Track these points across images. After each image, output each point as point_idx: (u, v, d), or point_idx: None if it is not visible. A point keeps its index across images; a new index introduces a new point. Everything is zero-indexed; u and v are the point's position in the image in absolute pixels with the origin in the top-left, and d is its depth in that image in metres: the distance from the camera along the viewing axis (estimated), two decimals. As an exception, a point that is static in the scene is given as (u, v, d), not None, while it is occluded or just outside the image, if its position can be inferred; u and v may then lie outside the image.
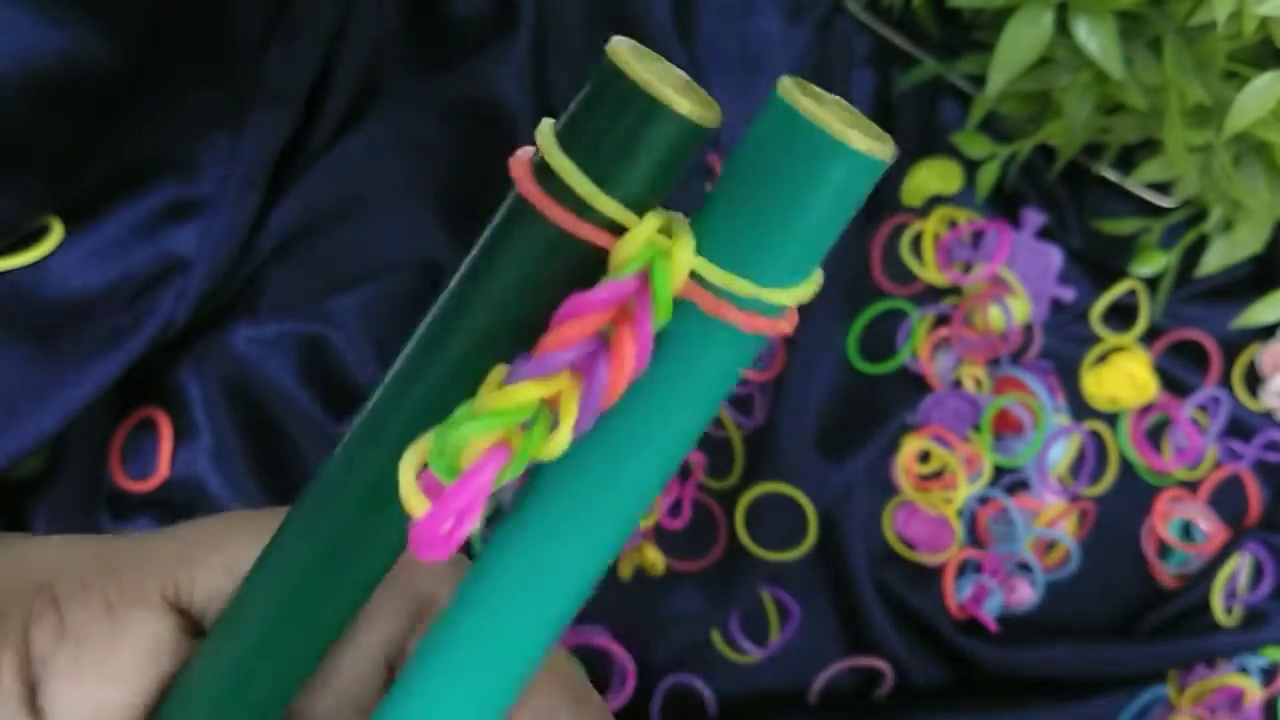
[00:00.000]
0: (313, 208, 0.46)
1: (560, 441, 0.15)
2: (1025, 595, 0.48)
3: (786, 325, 0.16)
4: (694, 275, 0.16)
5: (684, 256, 0.15)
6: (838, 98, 0.16)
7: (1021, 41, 0.41)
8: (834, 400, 0.49)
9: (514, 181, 0.16)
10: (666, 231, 0.16)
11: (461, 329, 0.17)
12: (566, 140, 0.16)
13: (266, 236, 0.45)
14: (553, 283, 0.16)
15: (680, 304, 0.16)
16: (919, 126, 0.51)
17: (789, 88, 0.15)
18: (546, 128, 0.16)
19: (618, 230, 0.16)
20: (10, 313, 0.40)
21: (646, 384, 0.16)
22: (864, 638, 0.48)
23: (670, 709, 0.46)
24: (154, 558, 0.20)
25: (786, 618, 0.47)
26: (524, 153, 0.17)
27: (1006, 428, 0.49)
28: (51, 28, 0.37)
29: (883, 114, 0.51)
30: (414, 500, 0.15)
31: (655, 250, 0.15)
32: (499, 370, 0.16)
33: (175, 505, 0.44)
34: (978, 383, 0.49)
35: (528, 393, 0.15)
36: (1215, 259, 0.48)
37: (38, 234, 0.41)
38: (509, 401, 0.15)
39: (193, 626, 0.21)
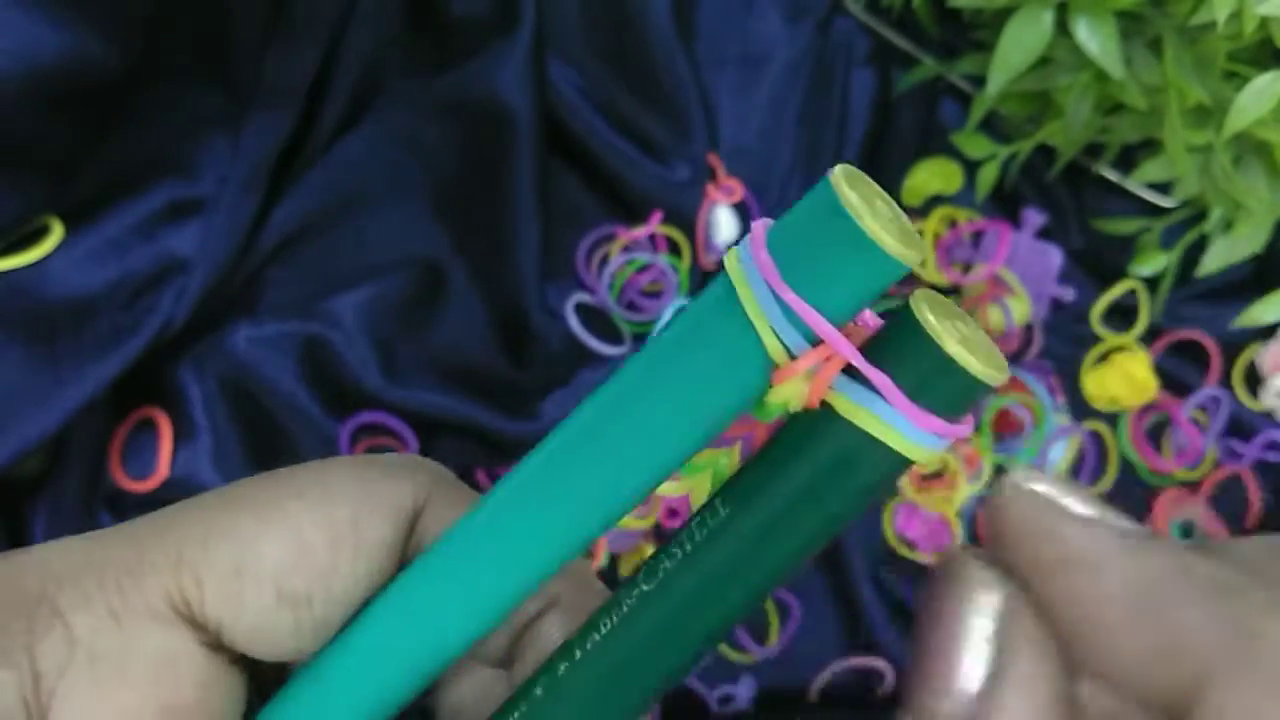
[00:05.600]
0: (313, 208, 0.46)
1: None
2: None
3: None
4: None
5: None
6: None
7: (1021, 41, 0.41)
8: (834, 400, 0.49)
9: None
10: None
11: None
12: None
13: (266, 236, 0.45)
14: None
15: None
16: (919, 126, 0.51)
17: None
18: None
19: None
20: (10, 313, 0.40)
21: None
22: (864, 638, 0.47)
23: (670, 709, 0.46)
24: (152, 562, 0.19)
25: (786, 618, 0.47)
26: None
27: (1006, 428, 0.49)
28: (51, 28, 0.37)
29: (883, 114, 0.51)
30: None
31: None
32: None
33: (175, 505, 0.44)
34: (978, 383, 0.49)
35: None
36: (1215, 259, 0.48)
37: (38, 234, 0.41)
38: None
39: (211, 639, 0.19)
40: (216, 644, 0.20)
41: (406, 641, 0.20)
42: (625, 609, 0.19)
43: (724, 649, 0.47)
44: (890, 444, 0.17)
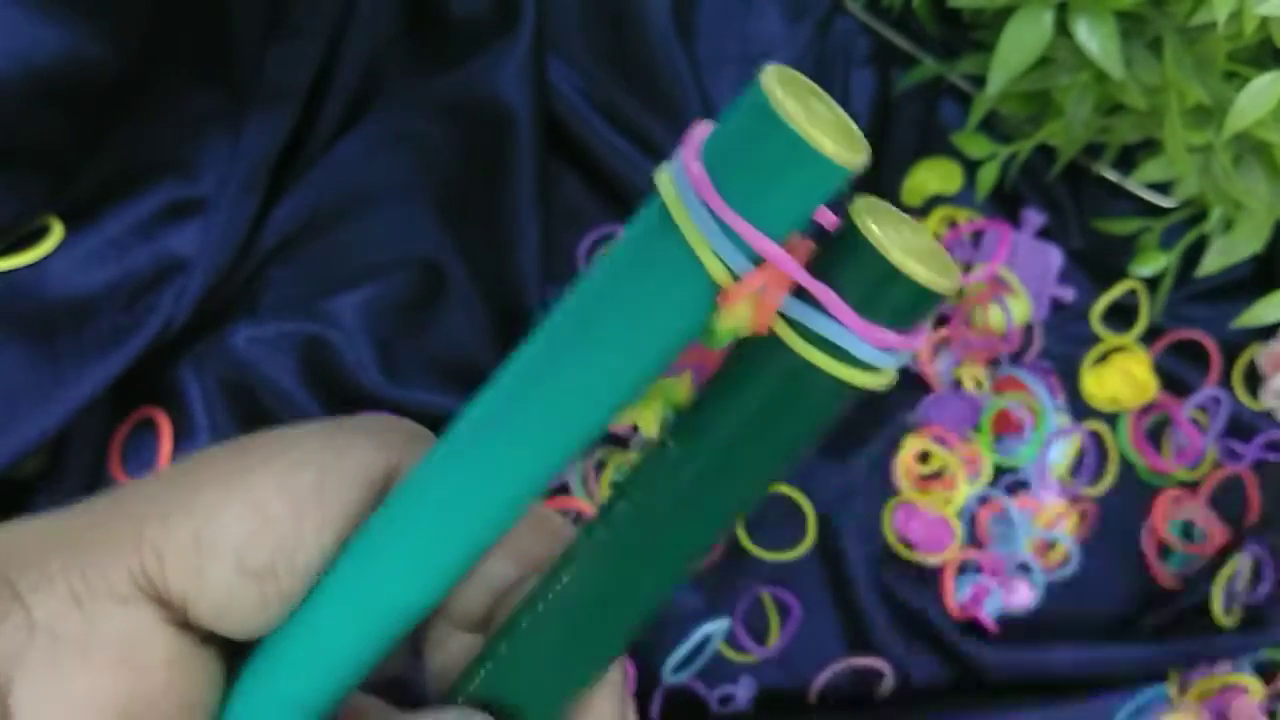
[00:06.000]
0: (313, 208, 0.46)
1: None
2: (1025, 595, 0.48)
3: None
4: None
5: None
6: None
7: (1021, 41, 0.41)
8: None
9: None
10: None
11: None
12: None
13: (266, 236, 0.45)
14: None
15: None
16: (919, 126, 0.51)
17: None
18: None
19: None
20: (10, 313, 0.40)
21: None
22: (864, 638, 0.47)
23: (670, 709, 0.46)
24: (114, 540, 0.18)
25: (786, 618, 0.47)
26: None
27: (1006, 428, 0.49)
28: (51, 28, 0.37)
29: (883, 114, 0.51)
30: None
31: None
32: None
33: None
34: (978, 383, 0.49)
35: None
36: (1215, 259, 0.48)
37: (38, 234, 0.41)
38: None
39: (178, 617, 0.19)
40: (184, 622, 0.19)
41: (372, 597, 0.19)
42: (583, 558, 0.18)
43: (724, 649, 0.47)
44: (842, 364, 0.16)
